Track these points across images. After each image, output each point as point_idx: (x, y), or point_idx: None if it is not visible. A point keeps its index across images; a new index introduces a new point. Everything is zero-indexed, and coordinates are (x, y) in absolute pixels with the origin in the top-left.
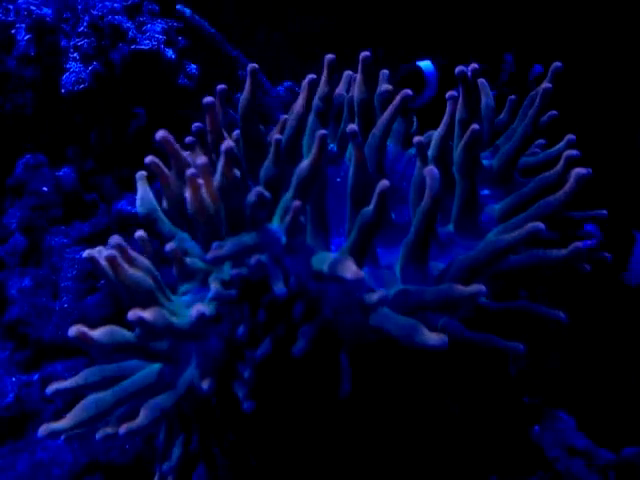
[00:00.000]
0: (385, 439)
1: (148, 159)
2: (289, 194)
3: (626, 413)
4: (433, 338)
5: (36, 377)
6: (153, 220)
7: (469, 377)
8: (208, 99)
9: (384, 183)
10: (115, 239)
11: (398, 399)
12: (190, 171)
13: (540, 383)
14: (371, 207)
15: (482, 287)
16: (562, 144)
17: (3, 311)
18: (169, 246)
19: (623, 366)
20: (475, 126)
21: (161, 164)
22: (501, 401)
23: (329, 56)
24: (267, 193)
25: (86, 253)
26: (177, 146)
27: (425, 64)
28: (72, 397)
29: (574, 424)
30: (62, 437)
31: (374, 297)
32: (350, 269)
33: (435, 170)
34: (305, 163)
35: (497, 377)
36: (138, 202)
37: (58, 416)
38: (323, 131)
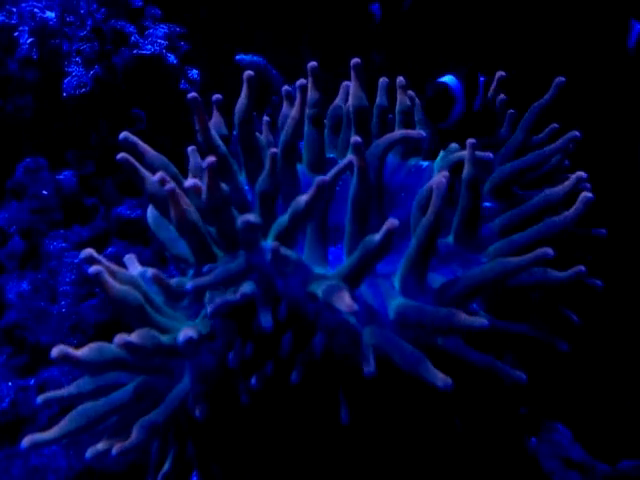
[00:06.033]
0: (386, 454)
1: (120, 156)
2: (284, 220)
3: (623, 425)
4: (440, 378)
5: (32, 382)
6: (157, 226)
7: (467, 389)
8: (192, 94)
9: (393, 222)
10: (87, 252)
11: (398, 418)
12: (169, 186)
13: (536, 394)
14: (377, 239)
15: (484, 321)
16: (559, 142)
17: (1, 315)
18: (150, 272)
19: (619, 378)
20: (489, 154)
21: (134, 161)
22: (498, 412)
23: (312, 63)
24: (254, 219)
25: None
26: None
27: (449, 79)
28: (69, 403)
29: (570, 436)
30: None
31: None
32: (344, 301)
33: (443, 183)
34: (302, 200)
35: (494, 388)
36: (149, 209)
37: (53, 422)
38: (323, 177)
